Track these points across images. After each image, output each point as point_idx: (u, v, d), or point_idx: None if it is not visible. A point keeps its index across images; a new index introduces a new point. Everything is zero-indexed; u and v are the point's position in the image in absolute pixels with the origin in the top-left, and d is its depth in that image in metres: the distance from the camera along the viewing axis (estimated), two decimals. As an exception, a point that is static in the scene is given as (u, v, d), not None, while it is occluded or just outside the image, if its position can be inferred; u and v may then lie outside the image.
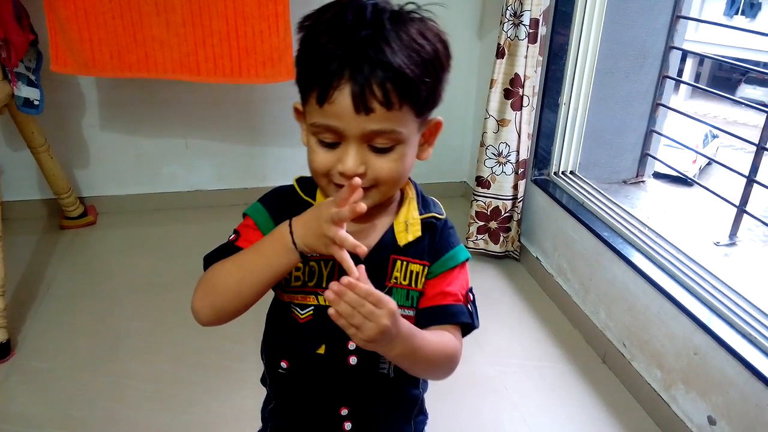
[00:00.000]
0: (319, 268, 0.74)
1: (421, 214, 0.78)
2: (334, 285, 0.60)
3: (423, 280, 0.78)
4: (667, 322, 1.52)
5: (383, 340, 0.63)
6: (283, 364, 0.80)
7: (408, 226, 0.76)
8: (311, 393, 0.81)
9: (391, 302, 0.63)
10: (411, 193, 0.79)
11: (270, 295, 0.78)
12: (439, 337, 0.76)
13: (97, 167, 2.42)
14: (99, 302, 1.92)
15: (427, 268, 0.78)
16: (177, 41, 1.88)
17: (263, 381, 0.89)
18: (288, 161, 2.54)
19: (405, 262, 0.77)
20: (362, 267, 0.63)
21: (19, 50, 1.82)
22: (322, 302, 0.75)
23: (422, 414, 0.91)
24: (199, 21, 1.85)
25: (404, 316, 0.76)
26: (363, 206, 0.61)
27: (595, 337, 1.81)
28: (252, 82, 2.03)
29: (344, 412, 0.80)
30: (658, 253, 1.64)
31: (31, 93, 1.94)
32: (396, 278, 0.76)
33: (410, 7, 0.68)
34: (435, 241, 0.79)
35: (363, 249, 0.62)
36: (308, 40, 0.66)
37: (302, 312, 0.76)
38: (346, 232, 0.67)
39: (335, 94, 0.63)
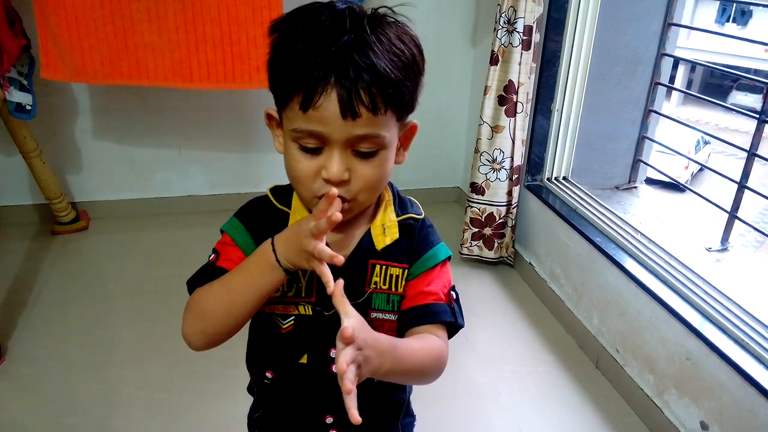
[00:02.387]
0: (298, 277, 0.74)
1: (398, 215, 0.77)
2: (342, 363, 0.57)
3: (404, 283, 0.77)
4: (660, 327, 1.53)
5: (369, 370, 0.63)
6: (269, 375, 0.80)
7: (385, 229, 0.76)
8: (297, 402, 0.81)
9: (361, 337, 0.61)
10: (387, 196, 0.78)
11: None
12: (422, 342, 0.74)
13: (89, 173, 2.41)
14: (91, 308, 1.91)
15: (406, 270, 0.77)
16: (170, 48, 1.87)
17: (250, 390, 0.89)
18: (281, 167, 2.49)
19: (384, 266, 0.76)
20: (340, 281, 0.62)
21: (12, 55, 1.82)
22: (302, 312, 0.75)
23: (409, 416, 0.91)
24: (192, 27, 1.85)
25: (386, 321, 0.77)
26: (338, 215, 0.61)
27: (588, 343, 1.81)
28: (245, 88, 2.03)
29: (329, 420, 0.80)
30: (651, 259, 1.64)
31: (24, 98, 1.93)
32: (376, 283, 0.76)
33: (384, 11, 0.68)
34: (414, 241, 0.78)
35: (340, 259, 0.62)
36: (283, 45, 0.65)
37: (284, 322, 0.76)
38: (326, 241, 0.67)
39: (321, 99, 0.62)
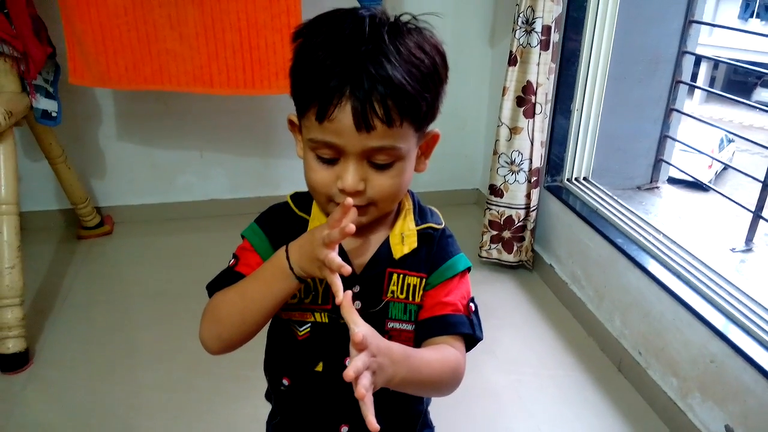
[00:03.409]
0: (314, 284, 0.74)
1: (417, 224, 0.76)
2: (352, 369, 0.57)
3: (421, 292, 0.76)
4: (683, 329, 1.51)
5: (384, 378, 0.62)
6: (285, 382, 0.80)
7: (404, 238, 0.75)
8: (312, 410, 0.81)
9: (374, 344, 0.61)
10: (408, 205, 0.77)
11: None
12: (438, 353, 0.73)
13: (113, 177, 2.45)
14: (115, 311, 1.94)
15: (424, 280, 0.76)
16: (190, 54, 1.90)
17: (267, 397, 0.89)
18: (300, 170, 2.52)
19: (402, 275, 0.75)
20: (348, 292, 0.61)
21: (38, 63, 1.86)
22: (319, 319, 0.75)
23: (427, 427, 0.90)
24: (212, 34, 1.87)
25: (402, 331, 0.76)
26: (352, 227, 0.60)
27: (610, 345, 1.80)
28: (265, 93, 2.05)
29: (345, 429, 0.80)
30: (673, 260, 1.62)
31: (49, 105, 1.97)
32: (393, 292, 0.75)
33: (406, 17, 0.68)
34: (432, 251, 0.77)
35: (347, 269, 0.61)
36: (304, 52, 0.65)
37: (300, 329, 0.76)
38: (344, 248, 0.68)
39: (336, 111, 0.62)
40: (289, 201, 0.78)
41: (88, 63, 1.93)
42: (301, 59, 0.65)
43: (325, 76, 0.62)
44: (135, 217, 2.49)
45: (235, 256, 0.77)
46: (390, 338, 0.76)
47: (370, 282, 0.74)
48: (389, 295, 0.75)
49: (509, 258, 2.21)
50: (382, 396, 0.79)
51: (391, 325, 0.76)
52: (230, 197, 2.58)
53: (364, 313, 0.73)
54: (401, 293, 0.76)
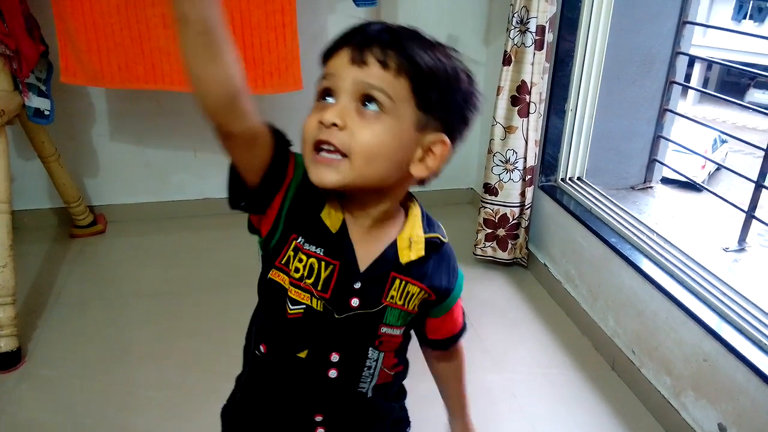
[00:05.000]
0: (318, 267, 0.72)
1: (425, 232, 0.76)
2: None
3: (417, 302, 0.77)
4: (676, 328, 1.51)
5: None
6: (262, 348, 0.78)
7: (411, 243, 0.75)
8: (285, 392, 0.79)
9: None
10: (416, 211, 0.77)
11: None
12: (462, 375, 0.94)
13: (106, 176, 2.44)
14: (108, 310, 1.93)
15: (423, 291, 0.77)
16: (184, 52, 1.89)
17: (238, 379, 0.88)
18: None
19: (404, 282, 0.75)
20: None
21: (30, 61, 1.85)
22: (314, 306, 0.73)
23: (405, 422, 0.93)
24: (206, 32, 1.87)
25: (392, 336, 0.78)
26: None
27: (604, 344, 1.80)
28: (259, 92, 2.04)
29: (318, 418, 0.79)
30: (667, 259, 1.63)
31: (42, 103, 1.96)
32: (392, 297, 0.75)
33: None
34: (440, 270, 0.78)
35: None
36: (329, 46, 0.70)
37: (292, 307, 0.74)
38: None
39: (342, 49, 0.67)
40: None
41: (80, 61, 1.92)
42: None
43: (350, 30, 0.68)
44: (128, 216, 2.48)
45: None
46: (380, 344, 0.77)
47: (373, 282, 0.73)
48: (389, 299, 0.75)
49: (504, 255, 2.22)
50: (360, 398, 0.80)
51: (383, 330, 0.76)
52: (224, 196, 2.56)
53: (361, 314, 0.74)
54: (399, 299, 0.76)
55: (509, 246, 2.20)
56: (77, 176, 2.36)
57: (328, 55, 0.69)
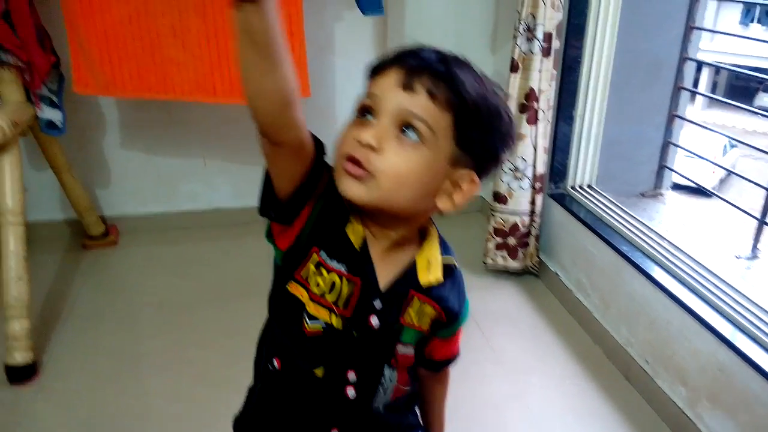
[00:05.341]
0: (340, 284, 0.72)
1: (442, 255, 0.77)
2: None
3: (429, 322, 0.78)
4: (690, 337, 1.50)
5: None
6: (275, 362, 0.78)
7: (430, 264, 0.75)
8: (300, 408, 0.79)
9: None
10: (433, 232, 0.78)
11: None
12: (444, 398, 0.95)
13: (118, 187, 2.46)
14: (121, 321, 1.94)
15: (439, 313, 0.77)
16: (193, 62, 1.91)
17: (250, 391, 0.88)
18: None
19: (422, 303, 0.75)
20: None
21: (42, 73, 1.86)
22: (334, 323, 0.73)
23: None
24: (214, 42, 1.88)
25: (407, 356, 0.79)
26: None
27: (617, 354, 1.79)
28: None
29: None
30: (678, 267, 1.62)
31: (54, 114, 1.98)
32: (410, 316, 0.75)
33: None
34: (454, 292, 0.79)
35: None
36: (379, 62, 0.70)
37: (310, 323, 0.73)
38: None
39: (390, 68, 0.66)
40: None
41: (92, 71, 1.93)
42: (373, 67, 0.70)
43: (402, 51, 0.68)
44: (140, 226, 2.49)
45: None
46: (395, 362, 0.77)
47: (393, 301, 0.74)
48: (407, 319, 0.75)
49: (514, 265, 2.21)
50: (375, 416, 0.80)
51: (399, 348, 0.77)
52: (234, 205, 2.58)
53: (380, 333, 0.74)
54: (417, 320, 0.76)
55: (520, 255, 2.19)
56: (89, 186, 2.38)
57: (375, 71, 0.69)
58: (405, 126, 0.65)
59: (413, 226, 0.74)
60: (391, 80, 0.65)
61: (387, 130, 0.65)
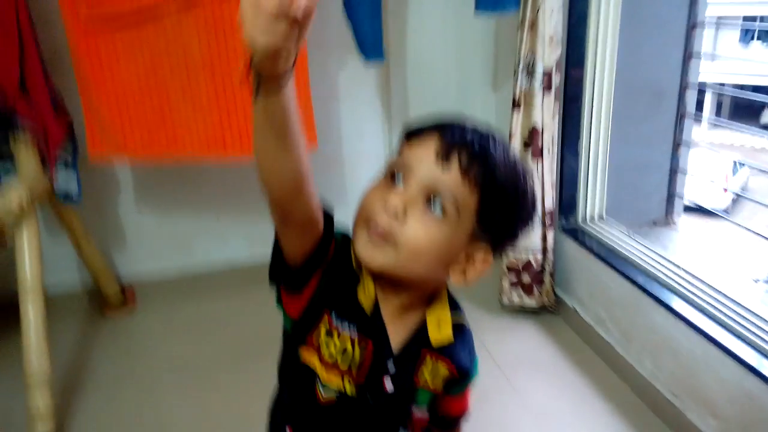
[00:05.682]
0: (352, 347, 0.72)
1: (451, 314, 0.77)
2: None
3: (442, 382, 0.78)
4: (715, 367, 1.47)
5: None
6: (288, 431, 0.78)
7: (440, 323, 0.75)
8: None
9: None
10: (443, 290, 0.78)
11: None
12: None
13: (134, 249, 2.49)
14: (143, 387, 1.93)
15: (451, 371, 0.77)
16: (203, 120, 1.95)
17: None
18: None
19: (435, 361, 0.76)
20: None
21: (57, 141, 1.91)
22: (348, 391, 0.73)
23: None
24: (223, 98, 1.93)
25: (422, 418, 0.78)
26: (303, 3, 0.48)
27: (644, 388, 1.75)
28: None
29: None
30: (697, 296, 1.60)
31: (70, 184, 2.02)
32: (423, 377, 0.75)
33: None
34: (464, 350, 0.79)
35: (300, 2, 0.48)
36: (417, 128, 0.71)
37: (324, 391, 0.73)
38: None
39: (428, 137, 0.67)
40: (351, 248, 0.72)
41: (105, 132, 1.98)
42: (414, 130, 0.71)
43: (441, 122, 0.69)
44: (157, 288, 2.51)
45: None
46: (410, 425, 0.77)
47: (406, 362, 0.74)
48: (421, 380, 0.75)
49: (531, 302, 2.19)
50: None
51: (414, 411, 0.77)
52: (248, 259, 2.60)
53: (395, 397, 0.74)
54: (431, 381, 0.76)
55: (535, 292, 2.18)
56: (106, 250, 2.41)
57: (411, 136, 0.69)
58: (432, 198, 0.66)
59: (424, 291, 0.75)
60: (426, 150, 0.66)
61: (414, 200, 0.66)
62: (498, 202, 0.67)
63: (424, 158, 0.66)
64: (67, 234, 2.17)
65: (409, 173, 0.67)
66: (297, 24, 0.49)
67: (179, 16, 1.84)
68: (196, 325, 2.30)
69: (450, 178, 0.65)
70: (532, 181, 0.72)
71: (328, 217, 0.70)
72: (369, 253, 0.67)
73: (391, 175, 0.69)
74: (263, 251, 2.62)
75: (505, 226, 0.70)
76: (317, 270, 0.70)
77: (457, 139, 0.66)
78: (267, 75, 0.53)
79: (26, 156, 1.85)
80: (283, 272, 0.70)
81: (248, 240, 2.59)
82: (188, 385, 1.92)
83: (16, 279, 1.68)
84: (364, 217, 0.68)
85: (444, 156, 0.65)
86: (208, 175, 2.43)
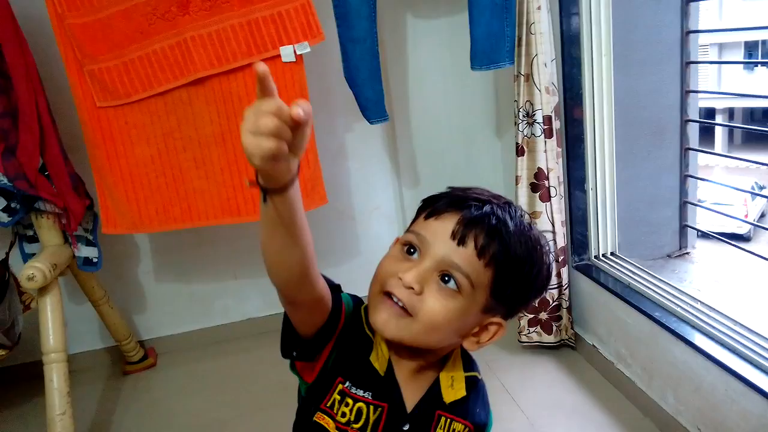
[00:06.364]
0: (366, 411, 0.73)
1: (464, 370, 0.79)
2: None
3: None
4: (738, 400, 1.45)
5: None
6: None
7: (453, 381, 0.77)
8: None
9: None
10: (456, 350, 0.80)
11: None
12: None
13: (153, 310, 2.54)
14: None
15: (467, 428, 0.78)
16: (217, 189, 2.00)
17: None
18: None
19: (449, 420, 0.76)
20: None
21: (78, 216, 1.99)
22: None
23: None
24: (236, 167, 1.99)
25: None
26: (300, 111, 0.52)
27: (669, 424, 1.72)
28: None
29: None
30: (716, 328, 1.59)
31: (90, 252, 2.09)
32: None
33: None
34: (478, 403, 0.80)
35: (299, 113, 0.52)
36: (437, 196, 0.73)
37: None
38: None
39: (446, 214, 0.69)
40: (362, 312, 0.76)
41: (120, 212, 2.04)
42: (433, 199, 0.73)
43: (458, 196, 0.70)
44: (177, 347, 2.54)
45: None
46: None
47: (421, 422, 0.75)
48: None
49: (550, 339, 2.18)
50: None
51: None
52: (265, 314, 2.62)
53: None
54: None
55: (554, 329, 2.17)
56: (126, 313, 2.46)
57: (429, 208, 0.71)
58: (446, 274, 0.68)
59: (437, 356, 0.77)
60: (443, 227, 0.68)
61: (429, 274, 0.68)
62: (512, 278, 0.69)
63: (440, 236, 0.68)
64: (89, 299, 2.23)
65: (425, 249, 0.69)
66: (291, 145, 0.54)
67: (188, 93, 1.92)
68: (217, 379, 2.32)
69: (465, 255, 0.67)
70: (548, 252, 0.74)
71: (334, 288, 0.73)
72: (386, 324, 0.69)
73: (406, 247, 0.71)
74: (279, 304, 2.65)
75: (519, 298, 0.72)
76: (330, 339, 0.73)
77: (474, 218, 0.68)
78: (272, 187, 0.58)
79: (48, 233, 1.94)
80: (295, 344, 0.72)
81: (265, 295, 2.62)
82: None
83: (40, 344, 1.72)
84: (380, 288, 0.71)
85: (461, 236, 0.67)
86: (224, 236, 2.49)
